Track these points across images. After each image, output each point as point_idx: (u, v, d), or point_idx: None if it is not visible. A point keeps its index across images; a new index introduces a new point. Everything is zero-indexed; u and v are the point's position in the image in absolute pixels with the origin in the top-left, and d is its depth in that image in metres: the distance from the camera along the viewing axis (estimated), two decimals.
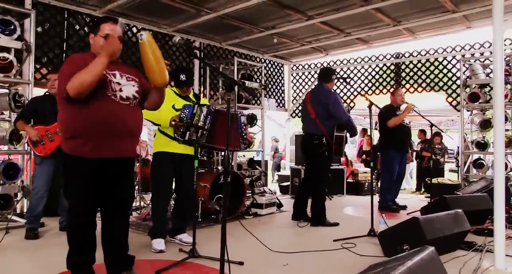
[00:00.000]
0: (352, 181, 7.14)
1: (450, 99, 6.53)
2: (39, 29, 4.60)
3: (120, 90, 2.18)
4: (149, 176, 4.24)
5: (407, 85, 6.98)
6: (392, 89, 5.86)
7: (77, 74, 2.01)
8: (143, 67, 2.20)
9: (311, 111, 4.10)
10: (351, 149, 11.49)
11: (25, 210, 4.12)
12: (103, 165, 2.17)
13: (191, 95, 3.36)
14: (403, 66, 7.07)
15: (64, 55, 4.92)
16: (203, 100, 3.48)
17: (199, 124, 3.01)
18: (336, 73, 7.67)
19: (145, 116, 3.18)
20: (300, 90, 8.26)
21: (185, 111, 3.05)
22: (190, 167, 3.04)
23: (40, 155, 3.47)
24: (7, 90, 4.08)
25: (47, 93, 3.63)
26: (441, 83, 6.66)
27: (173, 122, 3.05)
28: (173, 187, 3.35)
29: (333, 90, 4.25)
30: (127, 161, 2.31)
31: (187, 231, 3.32)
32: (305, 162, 4.53)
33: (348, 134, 4.21)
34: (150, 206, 3.53)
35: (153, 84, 2.22)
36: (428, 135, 7.57)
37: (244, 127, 3.34)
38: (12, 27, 3.97)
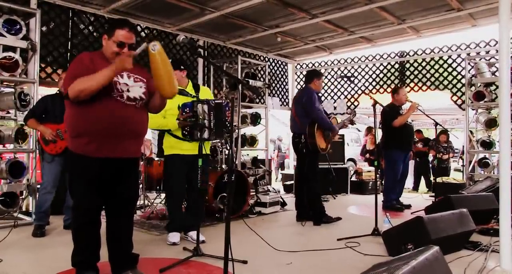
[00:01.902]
0: (356, 179, 7.13)
1: (455, 98, 6.49)
2: (44, 28, 4.62)
3: (128, 90, 2.19)
4: (162, 176, 4.28)
5: (412, 84, 6.93)
6: (394, 88, 5.81)
7: (81, 79, 2.03)
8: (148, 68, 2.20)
9: (292, 111, 4.34)
10: (355, 148, 11.48)
11: (30, 208, 4.16)
12: (107, 164, 2.18)
13: (189, 89, 3.32)
14: (407, 65, 7.03)
15: (69, 54, 4.94)
16: (203, 89, 3.45)
17: (204, 122, 3.01)
18: (340, 72, 7.79)
19: (152, 127, 3.20)
20: None
21: (186, 110, 3.05)
22: (203, 165, 3.05)
23: (51, 153, 3.51)
24: (12, 89, 4.11)
25: (57, 92, 3.67)
26: (446, 82, 6.61)
27: (181, 118, 3.06)
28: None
29: (313, 90, 4.20)
30: (131, 160, 2.32)
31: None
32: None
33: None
34: (166, 204, 3.58)
35: (162, 95, 2.22)
36: (430, 135, 7.53)
37: (227, 115, 3.30)
38: (18, 26, 4.00)
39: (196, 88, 3.39)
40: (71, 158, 2.22)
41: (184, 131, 3.10)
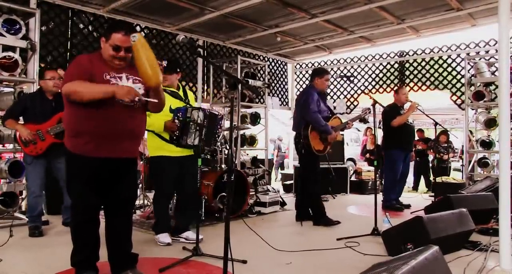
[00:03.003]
0: (355, 179, 7.13)
1: (454, 97, 6.49)
2: (43, 28, 4.62)
3: None
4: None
5: (411, 84, 6.94)
6: (396, 88, 5.83)
7: (80, 83, 2.05)
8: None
9: (294, 111, 4.37)
10: (354, 148, 11.48)
11: None
12: (105, 164, 2.19)
13: (181, 92, 3.32)
14: (407, 65, 7.03)
15: (68, 54, 4.94)
16: (189, 94, 3.45)
17: (196, 128, 3.03)
18: (340, 71, 7.79)
19: None
20: None
21: (178, 114, 3.05)
22: (192, 167, 3.05)
23: (31, 154, 3.39)
24: (12, 89, 4.11)
25: (37, 91, 3.58)
26: (445, 82, 6.62)
27: (168, 124, 3.05)
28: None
29: (315, 90, 4.10)
30: (128, 161, 2.32)
31: (191, 229, 3.35)
32: None
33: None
34: (153, 205, 3.58)
35: (147, 85, 2.22)
36: (429, 134, 7.53)
37: (219, 128, 3.32)
38: (18, 26, 4.00)
39: (185, 92, 3.39)
40: (69, 157, 2.23)
41: (172, 136, 3.08)
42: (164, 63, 3.25)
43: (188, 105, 3.14)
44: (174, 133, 3.06)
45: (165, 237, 3.22)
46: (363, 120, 4.47)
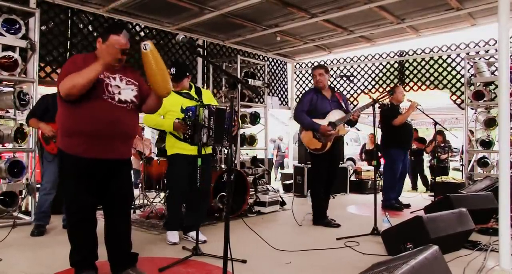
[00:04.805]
0: (355, 179, 7.13)
1: (454, 97, 6.49)
2: (43, 27, 4.62)
3: (119, 93, 2.20)
4: (161, 175, 4.33)
5: (411, 83, 6.94)
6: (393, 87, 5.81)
7: (71, 76, 2.04)
8: (142, 70, 2.19)
9: None
10: (354, 147, 11.49)
11: (29, 208, 4.16)
12: (97, 165, 2.19)
13: (192, 92, 3.35)
14: (406, 64, 7.03)
15: (68, 53, 4.94)
16: (205, 93, 3.46)
17: (204, 126, 3.03)
18: (340, 71, 7.79)
19: (148, 124, 3.23)
20: (304, 89, 8.24)
21: (188, 114, 3.07)
22: (206, 165, 3.09)
23: (52, 152, 3.49)
24: (12, 89, 4.11)
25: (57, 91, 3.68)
26: (445, 81, 6.61)
27: (176, 120, 3.08)
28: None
29: (313, 88, 4.10)
30: (121, 161, 2.32)
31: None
32: None
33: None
34: (166, 202, 3.60)
35: (157, 94, 2.22)
36: (430, 134, 7.53)
37: (229, 123, 3.23)
38: (17, 26, 4.00)
39: (198, 92, 3.41)
40: (61, 157, 2.24)
41: (185, 135, 3.12)
42: (173, 70, 3.25)
43: (198, 104, 3.15)
44: (186, 132, 3.10)
45: (172, 236, 3.24)
46: (382, 106, 4.26)
